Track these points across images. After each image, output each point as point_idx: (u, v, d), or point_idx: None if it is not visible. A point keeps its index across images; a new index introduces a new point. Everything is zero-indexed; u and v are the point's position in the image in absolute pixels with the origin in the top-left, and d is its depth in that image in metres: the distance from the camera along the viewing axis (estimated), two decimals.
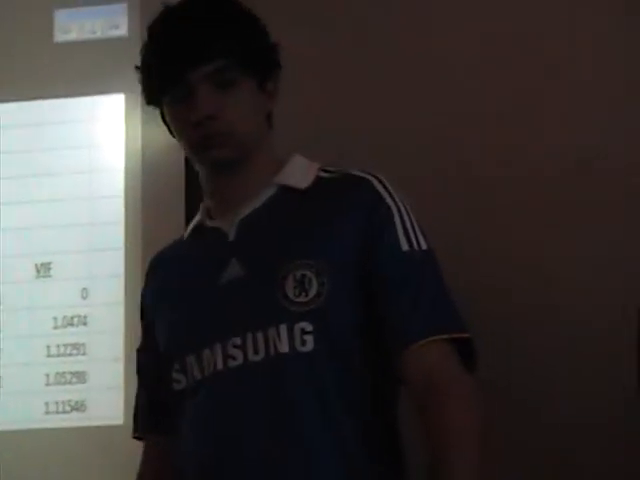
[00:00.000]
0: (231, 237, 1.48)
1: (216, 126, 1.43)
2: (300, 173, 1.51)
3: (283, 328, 1.37)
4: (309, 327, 1.37)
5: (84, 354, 2.09)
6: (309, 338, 1.37)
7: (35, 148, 2.19)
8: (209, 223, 1.54)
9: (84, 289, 2.10)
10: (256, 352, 1.38)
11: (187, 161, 2.07)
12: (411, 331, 1.37)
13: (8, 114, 2.20)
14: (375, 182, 1.46)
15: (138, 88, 2.08)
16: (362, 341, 1.40)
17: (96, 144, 2.17)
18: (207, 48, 1.43)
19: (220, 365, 1.40)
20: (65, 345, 2.09)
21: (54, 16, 2.23)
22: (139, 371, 1.62)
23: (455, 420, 1.33)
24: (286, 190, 1.49)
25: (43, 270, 2.12)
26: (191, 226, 1.58)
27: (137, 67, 1.53)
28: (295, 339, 1.37)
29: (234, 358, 1.39)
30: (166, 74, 1.45)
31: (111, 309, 2.09)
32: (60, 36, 2.22)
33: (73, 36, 2.22)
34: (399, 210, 1.44)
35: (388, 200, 1.44)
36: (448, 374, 1.37)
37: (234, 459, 1.38)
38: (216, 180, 1.52)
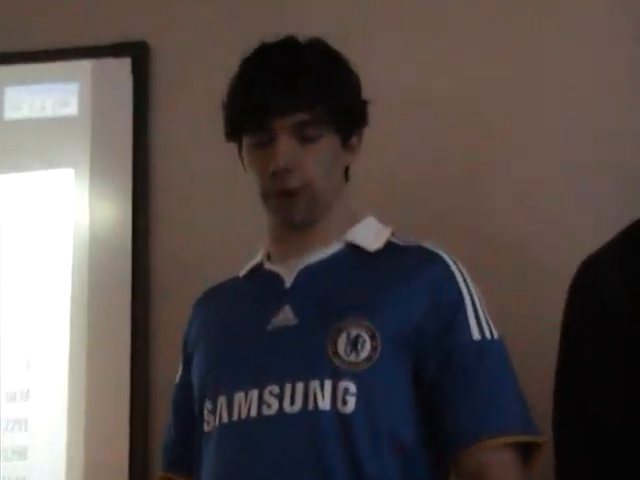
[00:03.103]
0: (288, 284, 1.45)
1: (293, 179, 1.41)
2: (371, 234, 1.49)
3: (328, 384, 1.34)
4: (353, 388, 1.33)
5: (25, 430, 2.05)
6: (351, 399, 1.33)
7: None
8: (267, 266, 1.51)
9: (28, 361, 2.08)
10: (293, 403, 1.34)
11: (134, 234, 2.11)
12: (475, 430, 1.33)
13: None
14: (450, 263, 1.43)
15: (87, 163, 2.15)
16: (403, 414, 1.36)
17: (45, 218, 2.17)
18: (294, 100, 1.40)
19: (254, 412, 1.36)
20: (7, 420, 2.05)
21: (4, 93, 2.24)
22: (172, 406, 1.59)
23: None
24: (354, 248, 1.46)
25: None
26: (248, 266, 1.55)
27: (223, 103, 1.50)
28: (337, 397, 1.33)
29: (269, 406, 1.35)
30: (250, 118, 1.42)
31: (54, 382, 2.05)
32: (10, 113, 2.24)
33: (23, 113, 2.24)
34: (471, 296, 1.41)
35: (461, 284, 1.41)
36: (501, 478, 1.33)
37: None
38: (283, 231, 1.49)
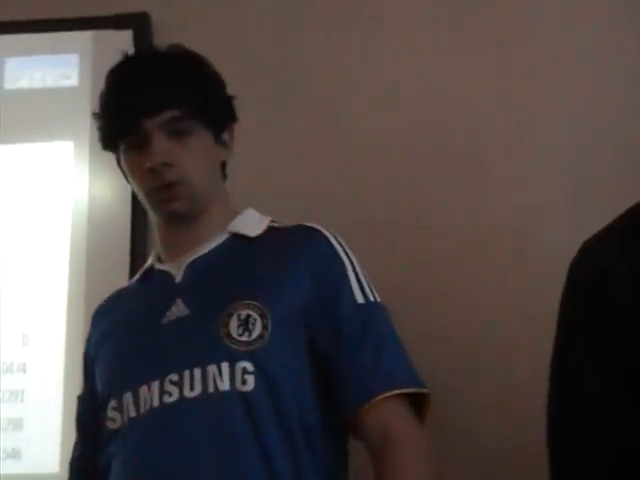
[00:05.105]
0: (178, 279, 1.50)
1: (171, 173, 1.46)
2: (252, 223, 1.55)
3: (225, 366, 1.37)
4: (250, 367, 1.37)
5: (22, 401, 2.06)
6: (250, 378, 1.37)
7: None
8: (158, 266, 1.56)
9: (24, 335, 2.08)
10: (192, 388, 1.37)
11: (134, 209, 2.10)
12: (370, 386, 1.39)
13: None
14: (329, 235, 1.50)
15: (87, 136, 2.14)
16: (305, 391, 1.40)
17: (44, 190, 2.16)
18: (161, 98, 1.46)
19: (156, 402, 1.39)
20: (3, 391, 2.05)
21: (5, 63, 2.23)
22: (77, 419, 1.61)
23: (410, 467, 1.35)
24: (237, 237, 1.52)
25: None
26: (141, 270, 1.60)
27: (94, 114, 1.56)
28: (236, 378, 1.37)
29: (170, 394, 1.38)
30: (122, 122, 1.48)
31: (51, 357, 2.06)
32: (10, 83, 2.22)
33: (23, 84, 2.22)
34: (352, 264, 1.47)
35: (341, 254, 1.48)
36: (404, 427, 1.38)
37: None
38: (169, 228, 1.54)
